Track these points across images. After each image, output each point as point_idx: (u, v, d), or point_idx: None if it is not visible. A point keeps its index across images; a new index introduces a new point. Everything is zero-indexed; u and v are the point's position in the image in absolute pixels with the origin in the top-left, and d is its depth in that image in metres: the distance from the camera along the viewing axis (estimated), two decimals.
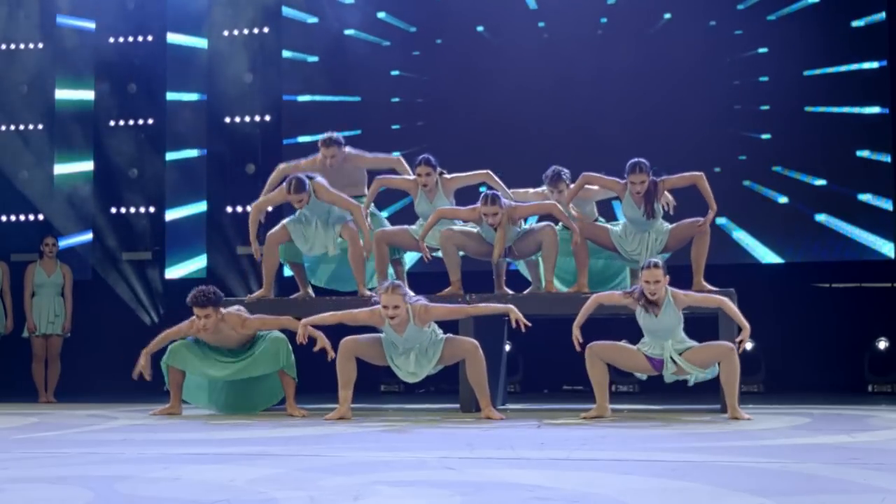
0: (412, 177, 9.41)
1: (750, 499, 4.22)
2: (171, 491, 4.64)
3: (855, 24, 11.78)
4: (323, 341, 8.43)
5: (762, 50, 11.97)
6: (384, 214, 10.36)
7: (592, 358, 8.07)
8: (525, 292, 9.42)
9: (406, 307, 8.05)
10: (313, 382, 9.40)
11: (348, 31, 12.80)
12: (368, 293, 9.20)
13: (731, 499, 4.26)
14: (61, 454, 6.07)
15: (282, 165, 9.90)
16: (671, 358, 8.00)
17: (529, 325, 8.08)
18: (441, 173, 9.34)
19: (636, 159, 8.92)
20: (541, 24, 12.49)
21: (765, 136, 11.94)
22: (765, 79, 11.97)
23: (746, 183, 11.91)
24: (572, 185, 9.23)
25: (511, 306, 8.19)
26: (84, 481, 4.89)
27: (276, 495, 4.43)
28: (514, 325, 8.10)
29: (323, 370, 8.86)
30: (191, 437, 7.00)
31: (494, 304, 8.43)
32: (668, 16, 12.20)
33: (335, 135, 9.69)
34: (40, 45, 13.50)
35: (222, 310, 8.81)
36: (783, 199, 11.84)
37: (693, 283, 8.86)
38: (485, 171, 9.34)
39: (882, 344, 11.62)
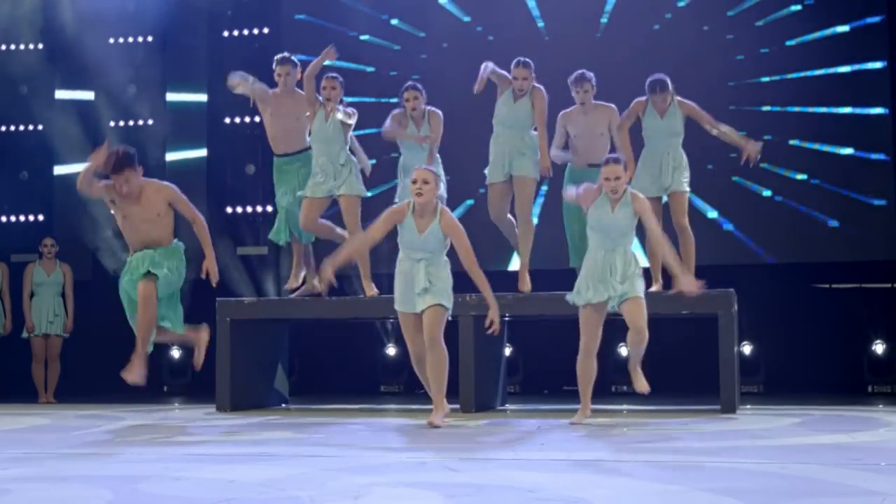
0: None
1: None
2: (171, 490, 4.64)
3: (855, 24, 11.77)
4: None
5: (763, 51, 11.96)
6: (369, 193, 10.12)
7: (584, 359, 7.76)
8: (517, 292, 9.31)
9: (435, 192, 7.62)
10: (314, 382, 9.41)
11: (357, 36, 12.76)
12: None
13: (730, 501, 4.26)
14: (66, 454, 6.08)
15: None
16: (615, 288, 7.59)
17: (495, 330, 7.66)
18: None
19: (657, 76, 8.87)
20: (540, 25, 12.49)
21: (764, 137, 11.92)
22: (765, 79, 11.96)
23: (746, 183, 11.89)
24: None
25: (494, 311, 7.61)
26: (89, 481, 4.90)
27: (277, 496, 4.44)
28: (486, 323, 7.63)
29: (322, 370, 8.86)
30: (192, 438, 7.00)
31: (490, 295, 7.64)
32: (656, 27, 12.19)
33: (290, 55, 9.61)
34: (40, 46, 13.49)
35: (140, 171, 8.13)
36: (783, 199, 11.83)
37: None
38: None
39: (881, 345, 11.61)
